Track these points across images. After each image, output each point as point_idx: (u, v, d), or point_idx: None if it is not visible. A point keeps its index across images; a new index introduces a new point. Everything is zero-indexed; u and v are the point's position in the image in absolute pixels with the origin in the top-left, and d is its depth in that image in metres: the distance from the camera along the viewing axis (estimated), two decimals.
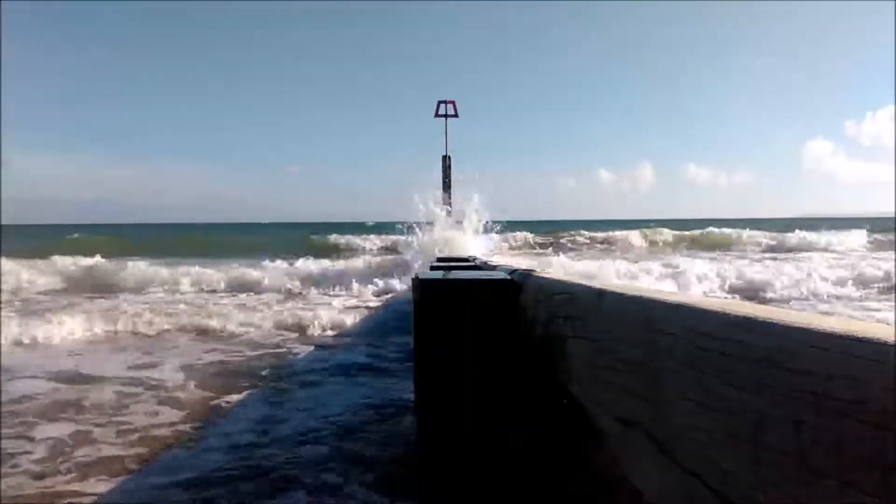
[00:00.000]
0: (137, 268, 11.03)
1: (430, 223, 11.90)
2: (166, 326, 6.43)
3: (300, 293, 9.12)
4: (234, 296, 9.17)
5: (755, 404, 0.70)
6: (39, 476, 2.66)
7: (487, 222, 12.32)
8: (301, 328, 6.35)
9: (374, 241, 19.75)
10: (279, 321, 6.55)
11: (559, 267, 10.25)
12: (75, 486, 2.54)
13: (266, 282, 9.77)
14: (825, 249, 19.47)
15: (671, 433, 0.91)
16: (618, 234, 23.39)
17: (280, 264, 11.62)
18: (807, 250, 19.10)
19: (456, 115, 15.19)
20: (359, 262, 12.51)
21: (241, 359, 5.07)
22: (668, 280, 9.94)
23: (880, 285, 9.60)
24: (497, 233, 12.88)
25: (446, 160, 14.99)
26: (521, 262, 4.23)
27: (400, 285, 9.40)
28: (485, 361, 2.16)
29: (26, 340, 5.73)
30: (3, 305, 8.17)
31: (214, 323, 6.48)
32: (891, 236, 21.84)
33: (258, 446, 2.92)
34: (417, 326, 2.21)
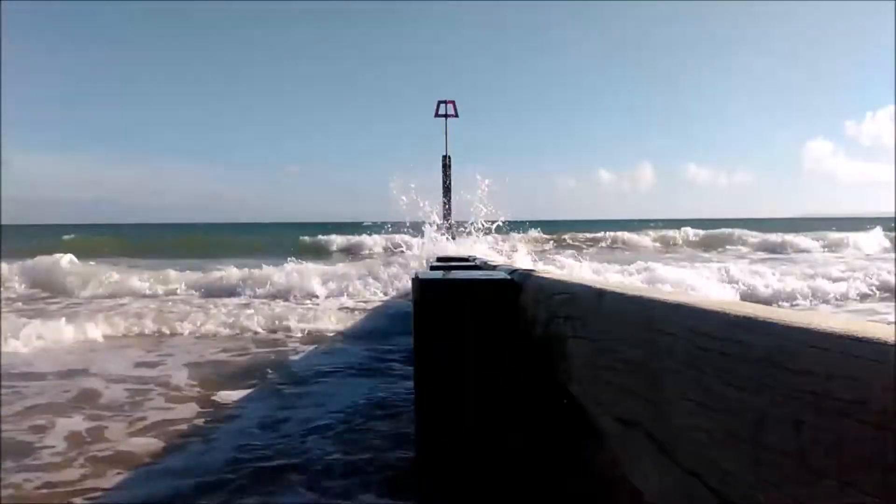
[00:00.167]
0: (135, 269, 11.03)
1: (430, 224, 11.85)
2: (166, 328, 6.43)
3: (300, 293, 9.10)
4: (234, 296, 9.17)
5: (755, 404, 0.70)
6: (60, 467, 2.74)
7: (492, 222, 12.15)
8: (301, 328, 6.35)
9: (374, 241, 19.72)
10: (279, 321, 6.55)
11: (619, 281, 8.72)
12: (91, 481, 2.61)
13: (266, 282, 9.76)
14: (831, 248, 19.19)
15: (671, 433, 0.91)
16: (625, 234, 23.19)
17: (280, 264, 11.60)
18: (830, 250, 18.91)
19: (456, 115, 15.14)
20: (359, 262, 12.49)
21: (242, 359, 5.07)
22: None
23: None
24: (503, 233, 12.66)
25: (446, 160, 14.98)
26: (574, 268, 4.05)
27: (400, 285, 9.40)
28: (485, 361, 2.16)
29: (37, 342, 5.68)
30: (2, 306, 8.17)
31: (214, 323, 6.48)
32: None
33: (259, 447, 2.93)
34: (417, 326, 2.21)
